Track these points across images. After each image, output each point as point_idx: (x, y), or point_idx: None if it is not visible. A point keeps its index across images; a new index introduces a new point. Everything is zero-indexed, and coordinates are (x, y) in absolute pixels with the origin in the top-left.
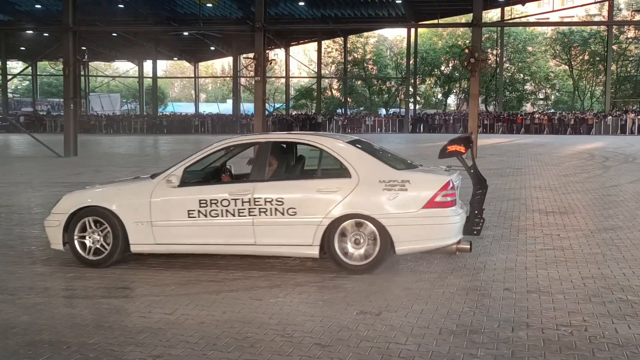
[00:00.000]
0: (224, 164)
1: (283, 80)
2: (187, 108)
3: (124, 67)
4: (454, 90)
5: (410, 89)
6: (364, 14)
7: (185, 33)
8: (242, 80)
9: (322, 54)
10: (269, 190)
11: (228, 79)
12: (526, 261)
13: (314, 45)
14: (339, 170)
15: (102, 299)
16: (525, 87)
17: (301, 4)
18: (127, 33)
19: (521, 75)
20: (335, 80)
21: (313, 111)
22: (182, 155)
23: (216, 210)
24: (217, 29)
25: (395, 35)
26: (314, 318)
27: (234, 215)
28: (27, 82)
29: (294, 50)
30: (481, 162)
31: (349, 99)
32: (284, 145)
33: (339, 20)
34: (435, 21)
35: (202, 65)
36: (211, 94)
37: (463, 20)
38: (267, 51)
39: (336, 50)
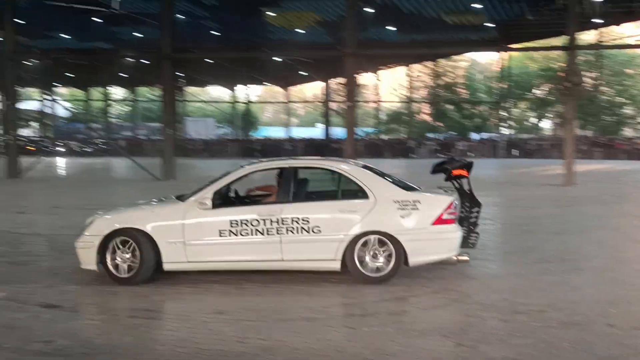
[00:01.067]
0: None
1: (373, 104)
2: (278, 132)
3: (218, 92)
4: (549, 115)
5: (503, 113)
6: (454, 37)
7: (277, 59)
8: (333, 105)
9: (412, 78)
10: (295, 211)
11: (319, 103)
12: (629, 295)
13: (404, 69)
14: (357, 192)
15: (200, 323)
16: (625, 110)
17: (391, 28)
18: (221, 59)
19: (620, 98)
20: (426, 104)
21: (403, 135)
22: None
23: (246, 229)
24: (308, 55)
25: (486, 59)
26: (408, 349)
27: (262, 234)
28: (128, 108)
29: (384, 74)
30: (579, 189)
31: (439, 123)
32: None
33: (429, 44)
34: (528, 44)
35: (293, 90)
36: (302, 118)
37: (557, 43)
38: (357, 76)
39: (426, 74)
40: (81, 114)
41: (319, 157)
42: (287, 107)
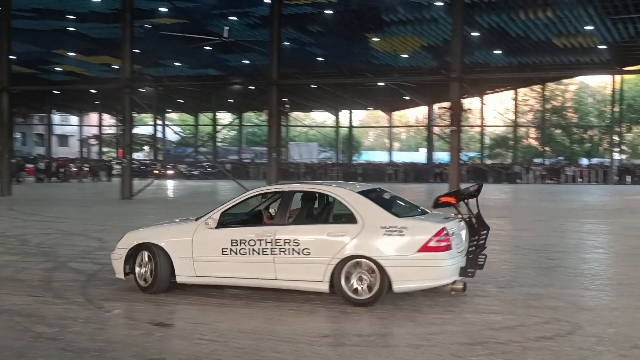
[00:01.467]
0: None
1: (478, 129)
2: (380, 156)
3: (322, 117)
4: None
5: (615, 137)
6: (563, 60)
7: (381, 84)
8: (436, 129)
9: (519, 102)
10: (288, 233)
11: (422, 128)
12: None
13: (510, 93)
14: (347, 217)
15: (306, 346)
16: None
17: (497, 52)
18: (325, 84)
19: None
20: (533, 128)
21: (509, 160)
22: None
23: (244, 249)
24: (412, 80)
25: (597, 81)
26: None
27: (259, 253)
28: (234, 132)
29: (490, 98)
30: None
31: (547, 148)
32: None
33: (537, 68)
34: None
35: (396, 114)
36: (404, 142)
37: None
38: (462, 100)
39: (534, 98)
40: (190, 138)
41: (323, 182)
42: (390, 132)
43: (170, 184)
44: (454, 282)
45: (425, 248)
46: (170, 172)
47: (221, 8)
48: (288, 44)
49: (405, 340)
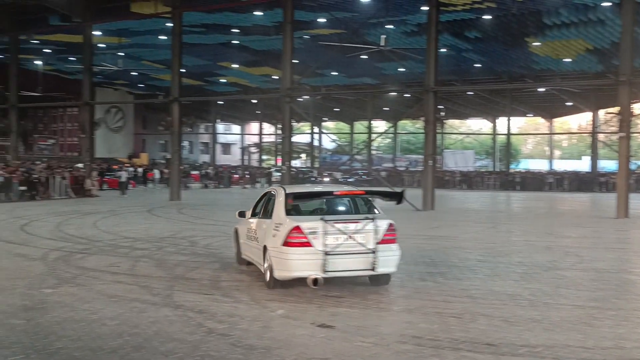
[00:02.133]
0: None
1: None
2: (540, 165)
3: (478, 124)
4: None
5: None
6: None
7: (541, 89)
8: (601, 136)
9: None
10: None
11: (585, 134)
12: None
13: None
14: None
15: (467, 352)
16: None
17: None
18: (482, 91)
19: None
20: None
21: None
22: (535, 213)
23: (250, 235)
24: (575, 84)
25: None
26: None
27: (256, 239)
28: (389, 140)
29: None
30: None
31: None
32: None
33: None
34: None
35: (557, 121)
36: (566, 150)
37: None
38: (632, 105)
39: None
40: (345, 146)
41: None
42: (551, 139)
43: None
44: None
45: (285, 243)
46: (326, 179)
47: (378, 17)
48: (444, 50)
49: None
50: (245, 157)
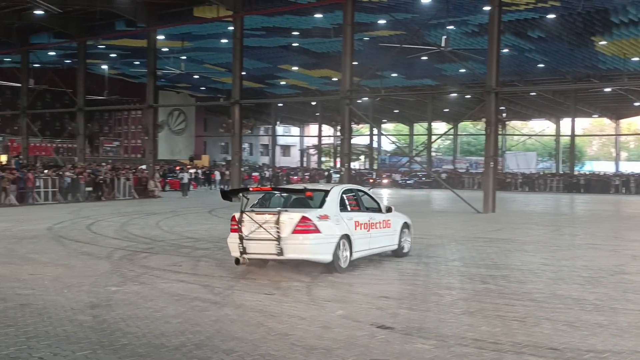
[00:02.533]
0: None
1: None
2: (605, 167)
3: (541, 125)
4: None
5: None
6: None
7: (607, 89)
8: None
9: None
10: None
11: None
12: None
13: None
14: None
15: (530, 356)
16: None
17: None
18: (545, 92)
19: None
20: None
21: None
22: (600, 215)
23: None
24: None
25: None
26: None
27: None
28: (449, 142)
29: None
30: None
31: None
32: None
33: None
34: None
35: (624, 122)
36: (633, 152)
37: None
38: None
39: None
40: (404, 148)
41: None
42: (617, 140)
43: (384, 193)
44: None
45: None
46: (385, 181)
47: (439, 18)
48: (506, 50)
49: None
50: (304, 159)
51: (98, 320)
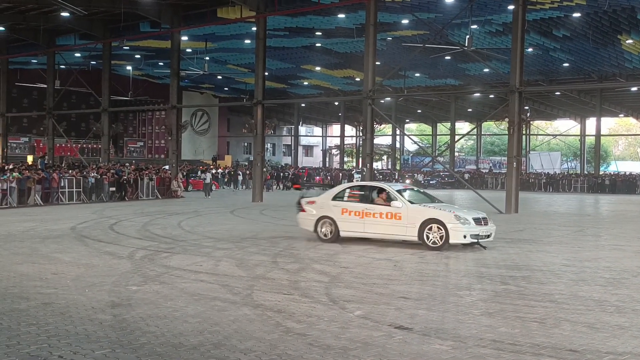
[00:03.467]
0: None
1: None
2: (632, 167)
3: (565, 125)
4: None
5: None
6: None
7: (634, 88)
8: None
9: None
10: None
11: None
12: None
13: None
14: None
15: (549, 357)
16: None
17: None
18: (570, 91)
19: None
20: None
21: None
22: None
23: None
24: None
25: None
26: None
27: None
28: (472, 142)
29: None
30: None
31: None
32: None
33: None
34: None
35: None
36: None
37: None
38: None
39: None
40: (427, 148)
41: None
42: None
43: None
44: None
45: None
46: (408, 181)
47: (462, 17)
48: (531, 50)
49: None
50: (327, 159)
51: (118, 319)
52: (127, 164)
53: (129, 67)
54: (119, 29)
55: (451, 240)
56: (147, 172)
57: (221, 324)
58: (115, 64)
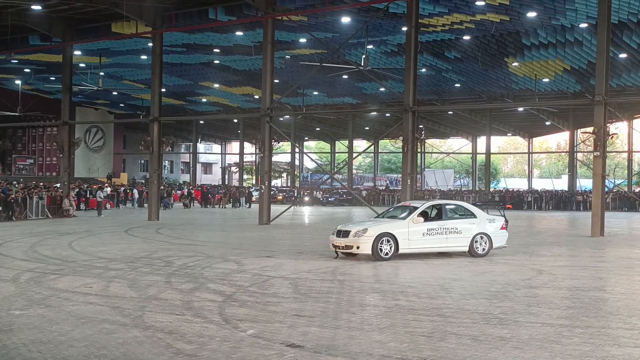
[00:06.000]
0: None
1: (625, 155)
2: (519, 184)
3: (458, 143)
4: None
5: None
6: None
7: (520, 109)
8: (579, 156)
9: None
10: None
11: (563, 154)
12: None
13: None
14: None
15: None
16: None
17: None
18: (462, 110)
19: None
20: None
21: None
22: (511, 232)
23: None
24: (553, 104)
25: None
26: None
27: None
28: (369, 159)
29: (638, 123)
30: None
31: None
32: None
33: None
34: None
35: (537, 140)
36: (545, 169)
37: None
38: (607, 125)
39: None
40: (326, 165)
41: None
42: (530, 158)
43: (306, 210)
44: None
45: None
46: (306, 198)
47: (358, 37)
48: (424, 70)
49: None
50: (226, 177)
51: None
52: (15, 182)
53: (18, 81)
54: (7, 41)
55: None
56: (36, 190)
57: (109, 347)
58: (2, 77)
